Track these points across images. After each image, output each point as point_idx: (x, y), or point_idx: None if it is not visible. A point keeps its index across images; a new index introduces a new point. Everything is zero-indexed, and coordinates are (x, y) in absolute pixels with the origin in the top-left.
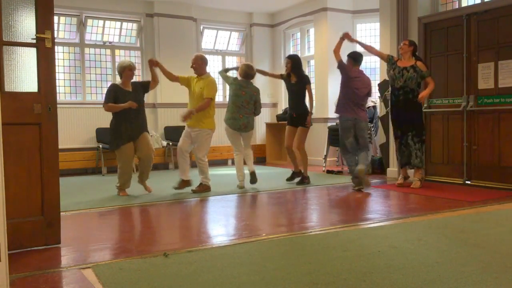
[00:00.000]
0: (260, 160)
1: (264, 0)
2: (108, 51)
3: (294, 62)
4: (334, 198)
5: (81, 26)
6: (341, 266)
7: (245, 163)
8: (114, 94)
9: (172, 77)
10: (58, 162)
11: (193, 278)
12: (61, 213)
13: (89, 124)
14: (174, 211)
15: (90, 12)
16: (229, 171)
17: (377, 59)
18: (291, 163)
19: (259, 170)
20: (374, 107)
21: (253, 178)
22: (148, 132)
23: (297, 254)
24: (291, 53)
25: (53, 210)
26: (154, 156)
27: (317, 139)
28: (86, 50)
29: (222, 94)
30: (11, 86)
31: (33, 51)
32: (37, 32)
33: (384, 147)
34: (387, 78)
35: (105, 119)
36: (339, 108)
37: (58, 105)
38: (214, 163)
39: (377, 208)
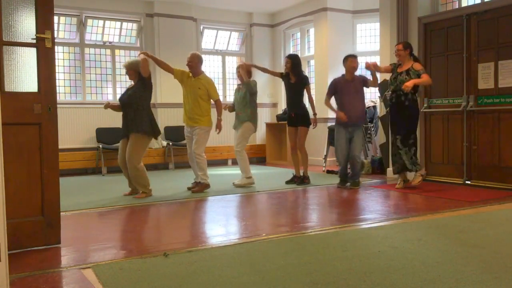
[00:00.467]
0: (260, 160)
1: (264, 0)
2: (108, 51)
3: (294, 62)
4: (334, 198)
5: (81, 26)
6: (341, 266)
7: (237, 163)
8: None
9: (166, 68)
10: (58, 162)
11: (193, 278)
12: (61, 213)
13: (89, 124)
14: (174, 211)
15: (90, 12)
16: (229, 171)
17: (377, 59)
18: (293, 166)
19: (259, 170)
20: (374, 107)
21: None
22: (142, 132)
23: (297, 254)
24: (291, 53)
25: (53, 210)
26: (135, 164)
27: (317, 139)
28: (86, 50)
29: (222, 94)
30: (11, 86)
31: (33, 51)
32: (37, 32)
33: (384, 147)
34: (387, 78)
35: (105, 119)
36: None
37: (58, 105)
38: (214, 163)
39: (377, 208)
